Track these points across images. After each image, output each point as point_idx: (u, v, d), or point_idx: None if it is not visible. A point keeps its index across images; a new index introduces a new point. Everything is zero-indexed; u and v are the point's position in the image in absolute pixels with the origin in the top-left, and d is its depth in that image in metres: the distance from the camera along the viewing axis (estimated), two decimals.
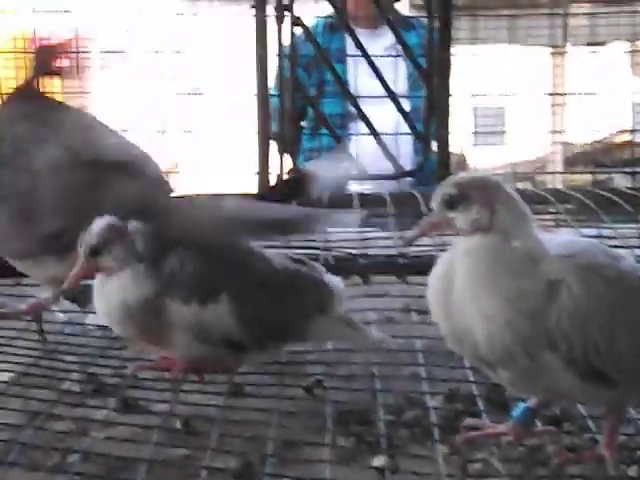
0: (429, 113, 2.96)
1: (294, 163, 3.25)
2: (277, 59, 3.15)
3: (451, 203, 1.46)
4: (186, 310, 1.79)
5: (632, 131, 5.82)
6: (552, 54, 6.09)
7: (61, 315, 2.36)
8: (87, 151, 2.00)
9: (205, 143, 4.44)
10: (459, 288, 1.45)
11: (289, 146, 3.10)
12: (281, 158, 3.11)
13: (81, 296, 2.35)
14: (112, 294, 1.81)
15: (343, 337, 1.98)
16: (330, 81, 3.76)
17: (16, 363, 2.00)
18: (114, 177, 1.97)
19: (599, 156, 5.82)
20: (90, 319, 2.32)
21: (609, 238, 2.44)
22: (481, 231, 1.44)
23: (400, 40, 3.28)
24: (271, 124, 3.08)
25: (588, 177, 4.88)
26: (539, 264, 1.44)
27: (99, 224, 1.80)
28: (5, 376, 1.94)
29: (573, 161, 6.10)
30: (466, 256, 1.45)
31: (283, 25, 3.02)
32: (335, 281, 1.94)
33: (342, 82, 3.53)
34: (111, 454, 1.63)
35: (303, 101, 3.70)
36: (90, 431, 1.71)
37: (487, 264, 1.44)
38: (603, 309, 1.44)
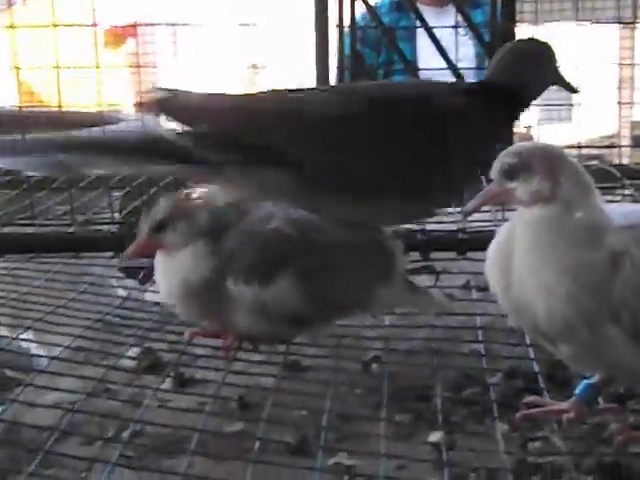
0: None
1: None
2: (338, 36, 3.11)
3: (511, 173, 1.42)
4: (248, 291, 1.78)
5: None
6: (620, 30, 6.01)
7: (120, 291, 2.36)
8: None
9: None
10: (519, 260, 1.42)
11: None
12: None
13: (141, 274, 2.36)
14: (173, 272, 1.80)
15: (408, 303, 1.96)
16: (398, 60, 3.71)
17: (71, 335, 1.99)
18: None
19: None
20: (149, 296, 2.32)
21: None
22: (542, 202, 1.41)
23: (466, 18, 3.23)
24: None
25: None
26: (602, 235, 1.40)
27: (165, 200, 1.81)
28: (61, 350, 1.94)
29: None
30: (527, 228, 1.42)
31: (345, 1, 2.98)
32: (395, 243, 1.91)
33: (408, 61, 3.48)
34: (165, 427, 1.62)
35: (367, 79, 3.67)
36: (144, 405, 1.70)
37: (548, 236, 1.40)
38: None
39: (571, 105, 4.81)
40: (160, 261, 1.84)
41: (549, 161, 1.43)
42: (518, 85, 1.89)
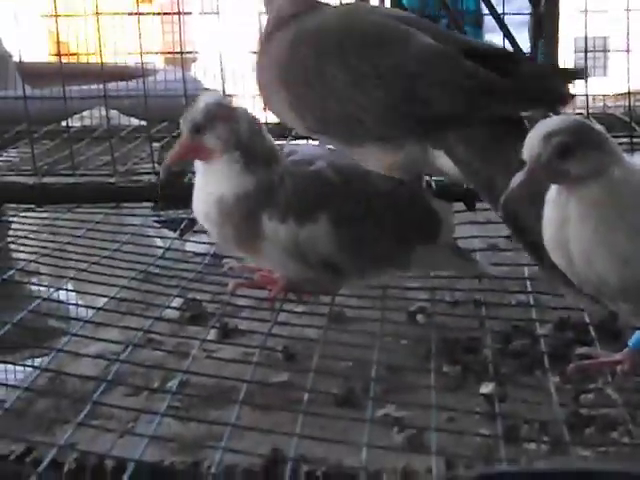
0: (537, 33, 2.83)
1: None
2: None
3: (565, 152, 1.36)
4: (282, 228, 1.73)
5: None
6: None
7: (160, 242, 2.35)
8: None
9: None
10: (582, 235, 1.37)
11: None
12: None
13: (182, 225, 2.34)
14: (209, 188, 1.75)
15: (449, 266, 1.92)
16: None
17: (115, 286, 1.97)
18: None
19: None
20: (190, 246, 2.30)
21: None
22: (596, 175, 1.36)
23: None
24: None
25: None
26: None
27: (205, 100, 1.74)
28: (104, 301, 1.92)
29: None
30: (588, 204, 1.37)
31: None
32: (444, 207, 1.88)
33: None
34: (211, 379, 1.60)
35: None
36: (190, 356, 1.68)
37: (613, 210, 1.36)
38: None
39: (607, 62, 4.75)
40: (198, 177, 1.78)
41: (594, 133, 1.38)
42: None
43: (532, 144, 1.37)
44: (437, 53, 1.83)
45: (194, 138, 1.72)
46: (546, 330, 1.77)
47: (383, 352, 1.66)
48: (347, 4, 2.07)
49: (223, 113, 1.73)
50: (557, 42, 2.75)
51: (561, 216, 1.40)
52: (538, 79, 1.83)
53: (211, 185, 1.74)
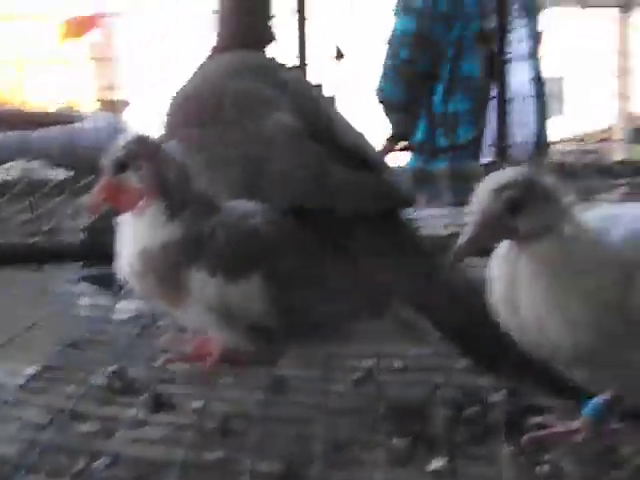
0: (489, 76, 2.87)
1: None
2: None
3: (515, 207, 1.37)
4: (210, 283, 1.71)
5: None
6: (618, 16, 6.04)
7: (88, 302, 2.33)
8: (320, 125, 1.90)
9: None
10: (532, 297, 1.38)
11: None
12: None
13: (110, 281, 2.32)
14: (134, 237, 1.72)
15: (400, 340, 1.89)
16: (469, 38, 3.66)
17: (40, 355, 1.95)
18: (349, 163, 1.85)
19: None
20: (122, 306, 2.28)
21: None
22: (547, 231, 1.37)
23: None
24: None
25: None
26: (605, 249, 1.38)
27: (128, 137, 1.73)
28: (28, 370, 1.90)
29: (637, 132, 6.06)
30: (538, 263, 1.38)
31: None
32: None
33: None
34: (141, 457, 1.58)
35: (435, 60, 3.62)
36: (118, 432, 1.67)
37: (565, 268, 1.37)
38: None
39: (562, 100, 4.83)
40: (121, 228, 1.75)
41: (546, 187, 1.40)
42: None
43: (482, 196, 1.37)
44: (286, 135, 1.85)
45: (116, 177, 1.70)
46: (500, 397, 1.76)
47: (326, 425, 1.66)
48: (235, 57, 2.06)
49: (147, 151, 1.72)
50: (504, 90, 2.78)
51: (511, 274, 1.40)
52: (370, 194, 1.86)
53: (134, 236, 1.72)
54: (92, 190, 1.75)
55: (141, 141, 1.72)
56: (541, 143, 3.82)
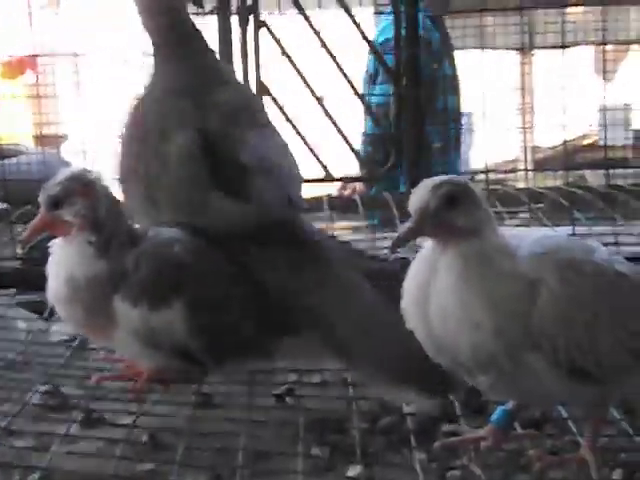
0: (399, 112, 2.88)
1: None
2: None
3: (452, 201, 1.38)
4: (134, 313, 1.70)
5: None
6: (520, 56, 6.13)
7: (23, 325, 2.29)
8: (226, 144, 1.83)
9: None
10: (443, 296, 1.39)
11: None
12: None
13: (43, 306, 2.30)
14: (61, 267, 1.72)
15: (316, 357, 1.85)
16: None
17: None
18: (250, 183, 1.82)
19: (568, 157, 5.83)
20: (55, 329, 2.26)
21: (583, 235, 2.40)
22: (469, 236, 1.39)
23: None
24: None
25: (558, 178, 4.89)
26: (516, 263, 1.39)
27: (65, 174, 1.72)
28: None
29: (543, 163, 6.15)
30: (457, 264, 1.38)
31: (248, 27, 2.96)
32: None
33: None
34: (74, 471, 1.56)
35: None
36: (52, 447, 1.64)
37: (479, 272, 1.38)
38: (585, 308, 1.40)
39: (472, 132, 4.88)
40: (52, 255, 1.75)
41: (473, 195, 1.41)
42: None
43: (420, 194, 1.39)
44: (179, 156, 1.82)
45: (52, 213, 1.70)
46: (412, 407, 1.76)
47: (250, 438, 1.65)
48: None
49: (81, 189, 1.71)
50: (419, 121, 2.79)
51: (427, 274, 1.41)
52: None
53: (63, 264, 1.72)
54: (28, 224, 1.75)
55: (76, 178, 1.72)
56: (456, 173, 3.85)
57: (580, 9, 5.34)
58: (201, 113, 1.83)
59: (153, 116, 1.85)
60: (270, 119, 1.98)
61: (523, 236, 1.46)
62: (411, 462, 1.55)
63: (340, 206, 2.93)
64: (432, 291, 1.40)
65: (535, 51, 5.79)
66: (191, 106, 1.83)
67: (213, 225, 1.76)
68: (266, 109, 2.04)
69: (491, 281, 1.38)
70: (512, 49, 5.90)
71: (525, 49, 5.70)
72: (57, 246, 1.74)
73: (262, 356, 1.79)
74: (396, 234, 1.43)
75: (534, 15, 5.17)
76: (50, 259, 1.75)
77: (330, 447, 1.63)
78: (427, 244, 1.42)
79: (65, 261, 1.71)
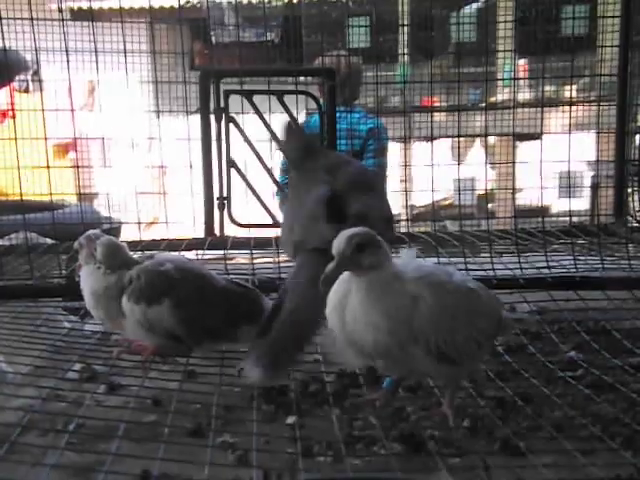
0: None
1: None
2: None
3: (361, 248, 1.38)
4: (136, 308, 1.74)
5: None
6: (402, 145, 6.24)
7: (66, 324, 2.25)
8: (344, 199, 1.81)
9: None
10: (355, 307, 1.40)
11: None
12: None
13: (82, 311, 2.26)
14: (87, 283, 1.82)
15: None
16: None
17: (32, 356, 1.88)
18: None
19: (435, 212, 5.94)
20: (87, 327, 2.21)
21: (445, 264, 2.43)
22: (372, 269, 1.39)
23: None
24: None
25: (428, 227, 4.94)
26: (405, 286, 1.40)
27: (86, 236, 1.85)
28: (23, 368, 1.83)
29: (416, 216, 6.24)
30: (362, 286, 1.39)
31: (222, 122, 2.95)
32: (266, 300, 1.85)
33: None
34: (100, 419, 1.54)
35: None
36: (85, 405, 1.62)
37: (379, 292, 1.39)
38: (447, 314, 1.42)
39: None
40: (81, 277, 1.84)
41: (377, 241, 1.41)
42: None
43: (340, 243, 1.39)
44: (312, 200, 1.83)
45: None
46: (331, 378, 1.77)
47: (221, 397, 1.64)
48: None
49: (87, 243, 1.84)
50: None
51: (344, 293, 1.41)
52: None
53: (87, 283, 1.82)
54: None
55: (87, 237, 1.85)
56: None
57: (443, 113, 5.43)
58: (332, 178, 1.85)
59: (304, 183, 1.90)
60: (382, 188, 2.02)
61: (407, 265, 1.47)
62: (330, 415, 1.56)
63: None
64: (348, 303, 1.41)
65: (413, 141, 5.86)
66: (326, 174, 1.87)
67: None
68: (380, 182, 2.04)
69: (386, 298, 1.39)
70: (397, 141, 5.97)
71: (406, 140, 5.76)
72: (83, 272, 1.84)
73: (230, 340, 1.80)
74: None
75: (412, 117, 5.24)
76: (82, 280, 1.84)
77: (275, 404, 1.62)
78: (345, 273, 1.43)
79: (88, 280, 1.82)
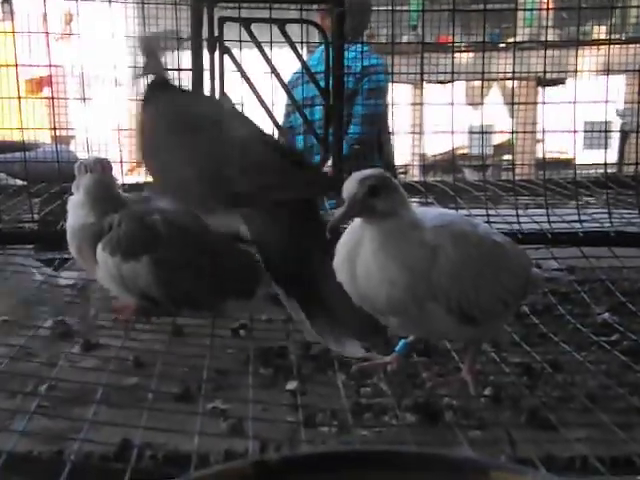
0: (327, 122, 2.80)
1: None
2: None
3: (374, 191, 1.32)
4: (110, 260, 1.68)
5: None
6: (413, 89, 6.15)
7: (38, 276, 2.20)
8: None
9: None
10: (367, 259, 1.33)
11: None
12: None
13: (57, 262, 2.21)
14: (69, 215, 1.77)
15: (263, 312, 1.83)
16: None
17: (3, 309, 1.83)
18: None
19: (447, 162, 5.88)
20: (62, 279, 2.16)
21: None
22: (387, 216, 1.32)
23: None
24: None
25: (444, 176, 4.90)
26: (423, 235, 1.34)
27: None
28: None
29: (430, 167, 6.21)
30: (377, 235, 1.33)
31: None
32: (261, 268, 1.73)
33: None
34: (76, 381, 1.49)
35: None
36: (58, 365, 1.56)
37: (394, 242, 1.33)
38: (471, 268, 1.36)
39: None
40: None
41: (393, 183, 1.36)
42: None
43: (351, 186, 1.32)
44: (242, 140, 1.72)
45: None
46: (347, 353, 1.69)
47: (213, 359, 1.59)
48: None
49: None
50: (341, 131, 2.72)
51: (354, 243, 1.35)
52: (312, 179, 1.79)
53: (69, 214, 1.77)
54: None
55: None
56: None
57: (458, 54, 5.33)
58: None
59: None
60: None
61: (426, 213, 1.41)
62: (334, 381, 1.50)
63: None
64: (359, 255, 1.34)
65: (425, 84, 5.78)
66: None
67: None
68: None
69: (403, 248, 1.33)
70: (408, 83, 5.88)
71: (417, 83, 5.69)
72: (70, 200, 1.79)
73: (213, 312, 1.75)
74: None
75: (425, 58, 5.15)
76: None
77: (273, 368, 1.57)
78: (356, 220, 1.36)
79: (71, 214, 1.76)
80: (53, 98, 3.39)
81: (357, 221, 1.36)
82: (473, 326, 1.39)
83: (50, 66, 2.95)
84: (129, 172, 3.80)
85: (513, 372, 1.55)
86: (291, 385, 1.49)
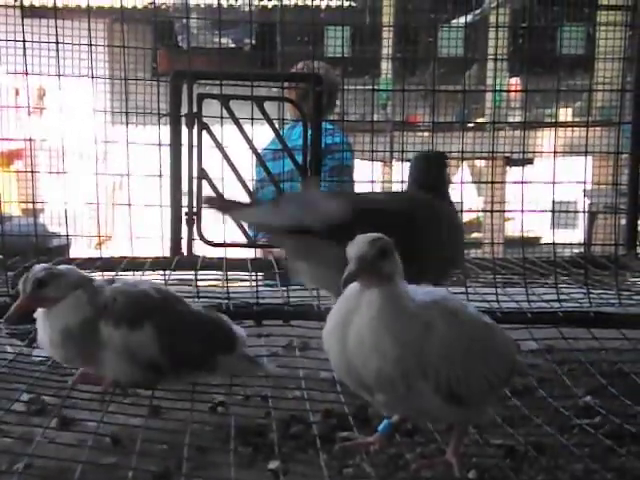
0: None
1: None
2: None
3: (384, 254, 1.33)
4: (116, 333, 1.65)
5: None
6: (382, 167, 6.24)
7: (10, 350, 2.15)
8: None
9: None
10: (361, 327, 1.32)
11: None
12: None
13: (28, 336, 2.17)
14: (55, 320, 1.66)
15: (245, 371, 1.84)
16: None
17: None
18: None
19: None
20: (36, 353, 2.12)
21: None
22: (387, 281, 1.33)
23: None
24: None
25: None
26: (416, 306, 1.34)
27: (41, 265, 1.70)
28: None
29: None
30: (376, 301, 1.32)
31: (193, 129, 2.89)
32: (239, 329, 1.81)
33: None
34: (52, 459, 1.45)
35: None
36: (33, 442, 1.52)
37: (392, 309, 1.33)
38: (462, 347, 1.37)
39: None
40: (41, 317, 1.69)
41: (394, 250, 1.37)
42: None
43: (360, 246, 1.33)
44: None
45: (36, 293, 1.65)
46: (316, 418, 1.69)
47: (192, 436, 1.55)
48: None
49: (57, 271, 1.69)
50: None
51: (350, 308, 1.34)
52: None
53: (56, 317, 1.66)
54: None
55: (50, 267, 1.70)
56: None
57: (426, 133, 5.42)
58: None
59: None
60: None
61: (416, 287, 1.41)
62: (316, 460, 1.48)
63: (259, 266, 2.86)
64: (352, 322, 1.34)
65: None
66: None
67: None
68: None
69: (398, 319, 1.33)
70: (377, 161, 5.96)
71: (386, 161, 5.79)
72: (42, 312, 1.69)
73: (208, 369, 1.75)
74: None
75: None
76: (39, 318, 1.70)
77: (253, 447, 1.54)
78: (351, 286, 1.36)
79: (58, 315, 1.66)
80: (32, 172, 3.39)
81: (352, 289, 1.36)
82: (459, 407, 1.38)
83: (23, 140, 2.96)
84: (97, 246, 3.78)
85: (496, 454, 1.53)
86: (273, 464, 1.46)
